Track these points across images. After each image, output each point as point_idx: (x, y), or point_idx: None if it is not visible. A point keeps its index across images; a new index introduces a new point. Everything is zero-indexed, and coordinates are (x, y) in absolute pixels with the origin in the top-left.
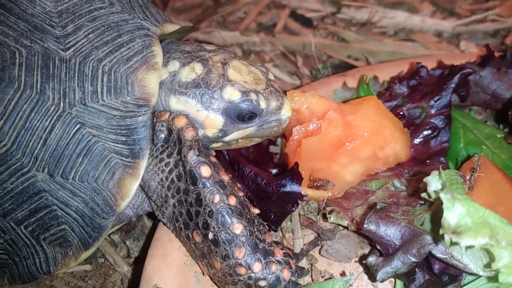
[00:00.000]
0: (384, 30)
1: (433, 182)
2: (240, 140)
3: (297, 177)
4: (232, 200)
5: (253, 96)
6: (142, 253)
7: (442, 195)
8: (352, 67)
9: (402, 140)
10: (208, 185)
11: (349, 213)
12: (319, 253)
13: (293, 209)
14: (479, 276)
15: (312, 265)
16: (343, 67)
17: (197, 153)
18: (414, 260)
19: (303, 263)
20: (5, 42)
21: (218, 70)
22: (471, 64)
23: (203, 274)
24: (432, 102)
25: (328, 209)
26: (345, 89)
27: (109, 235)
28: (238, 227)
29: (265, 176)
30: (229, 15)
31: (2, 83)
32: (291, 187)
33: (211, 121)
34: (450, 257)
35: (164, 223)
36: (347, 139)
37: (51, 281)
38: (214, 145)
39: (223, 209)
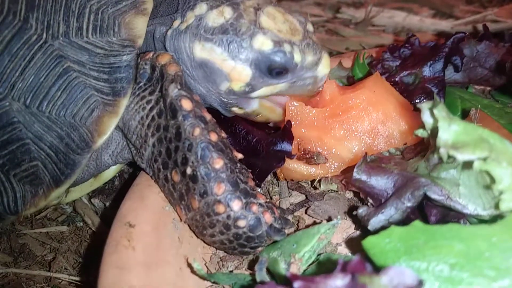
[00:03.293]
0: (382, 28)
1: (428, 107)
2: (264, 111)
3: (288, 136)
4: (214, 136)
5: (287, 47)
6: None
7: (436, 112)
8: None
9: (410, 119)
10: (189, 118)
11: (340, 177)
12: (305, 213)
13: (280, 164)
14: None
15: (298, 221)
16: None
17: (179, 87)
18: (408, 204)
19: (289, 218)
20: None
21: (250, 15)
22: (467, 38)
23: (181, 221)
24: (425, 68)
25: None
26: (341, 68)
27: (89, 200)
28: (218, 162)
29: (257, 134)
30: None
31: None
32: (281, 146)
33: (238, 73)
34: (447, 198)
35: (143, 169)
36: (342, 109)
37: (18, 222)
38: (236, 110)
39: (203, 143)
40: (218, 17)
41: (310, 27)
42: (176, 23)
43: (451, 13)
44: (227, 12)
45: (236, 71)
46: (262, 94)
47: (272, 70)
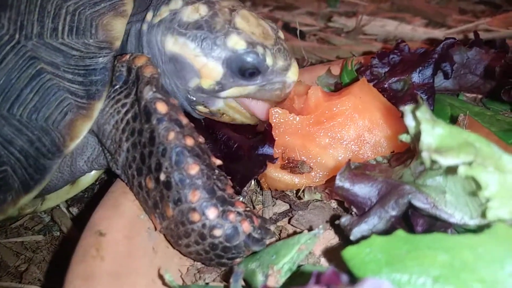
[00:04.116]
0: (374, 37)
1: (410, 110)
2: (229, 111)
3: (269, 140)
4: (189, 141)
5: (259, 49)
6: None
7: (419, 115)
8: None
9: (397, 126)
10: (164, 121)
11: (323, 186)
12: (289, 223)
13: (261, 170)
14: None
15: (280, 231)
16: None
17: (154, 90)
18: (392, 213)
19: (271, 228)
20: None
21: (225, 15)
22: (458, 45)
23: (156, 229)
24: (414, 74)
25: (302, 188)
26: (329, 76)
27: (67, 209)
28: (193, 168)
29: (238, 139)
30: None
31: None
32: (262, 150)
33: (209, 70)
34: (433, 206)
35: (118, 175)
36: (327, 116)
37: None
38: (201, 108)
39: (178, 148)
40: (193, 13)
41: (281, 35)
42: (149, 17)
43: (443, 23)
44: (202, 10)
45: (208, 68)
46: (231, 94)
47: (243, 70)
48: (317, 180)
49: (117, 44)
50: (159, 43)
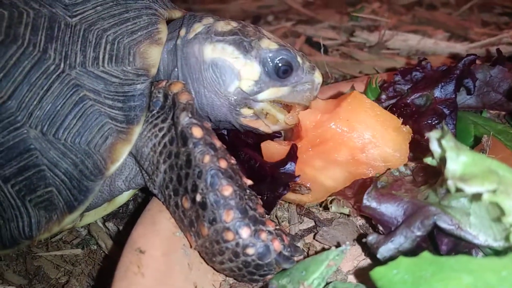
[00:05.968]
0: (397, 52)
1: (436, 136)
2: (272, 109)
3: (292, 157)
4: (223, 163)
5: (289, 49)
6: None
7: (444, 143)
8: None
9: (394, 141)
10: (199, 145)
11: (352, 200)
12: (314, 238)
13: (284, 192)
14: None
15: (309, 249)
16: None
17: (190, 115)
18: (418, 233)
19: (299, 245)
20: (15, 3)
21: (252, 27)
22: (480, 62)
23: (191, 247)
24: (436, 90)
25: (330, 198)
26: None
27: (104, 224)
28: (227, 189)
29: (260, 159)
30: None
31: (7, 39)
32: (285, 168)
33: (248, 69)
34: (457, 227)
35: (155, 195)
36: (318, 142)
37: (32, 247)
38: (245, 111)
39: (212, 170)
40: (226, 25)
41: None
42: (183, 33)
43: (466, 36)
44: (233, 23)
45: (247, 67)
46: (267, 96)
47: (278, 68)
48: (319, 197)
49: (153, 71)
50: (197, 52)
